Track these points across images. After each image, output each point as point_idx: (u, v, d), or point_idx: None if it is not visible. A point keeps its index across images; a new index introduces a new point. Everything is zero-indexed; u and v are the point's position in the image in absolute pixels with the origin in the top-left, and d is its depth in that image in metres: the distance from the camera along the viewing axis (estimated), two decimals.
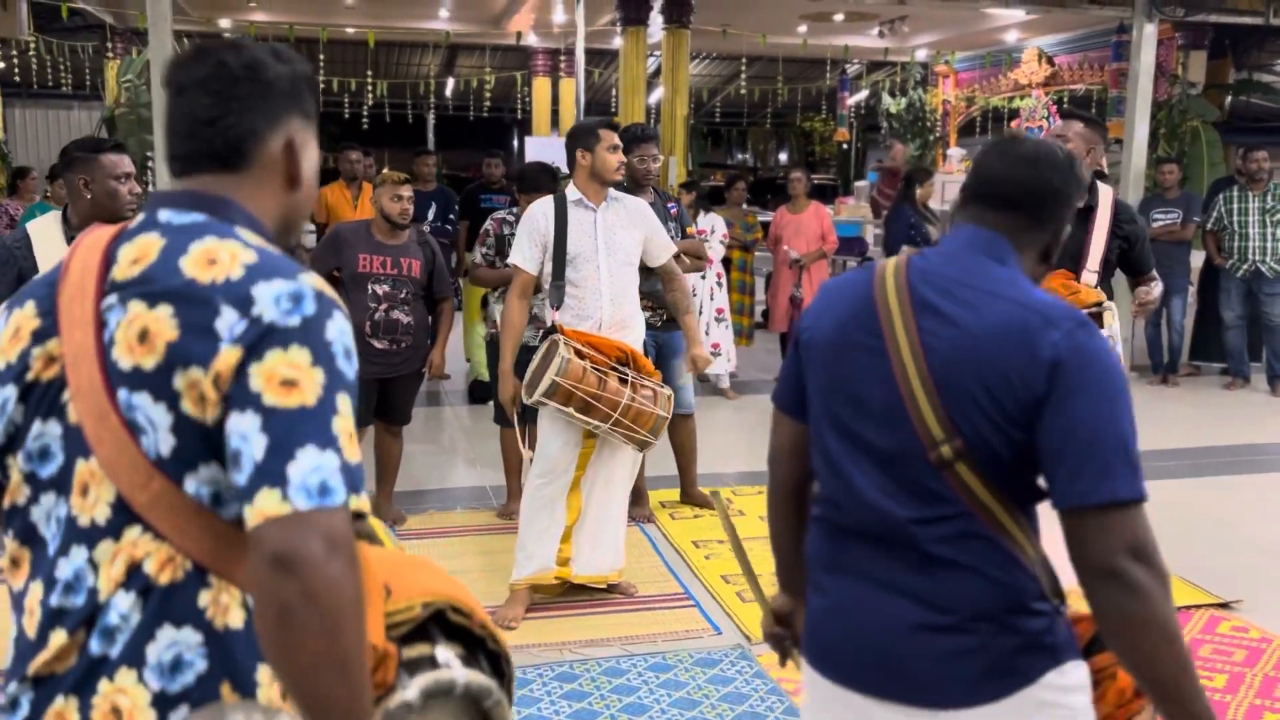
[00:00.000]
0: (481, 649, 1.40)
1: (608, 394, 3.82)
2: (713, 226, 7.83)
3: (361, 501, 1.16)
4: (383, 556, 1.38)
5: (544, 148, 10.31)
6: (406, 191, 4.81)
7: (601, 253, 4.01)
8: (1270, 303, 7.97)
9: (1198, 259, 8.67)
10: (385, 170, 5.41)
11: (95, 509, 1.22)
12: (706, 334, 7.77)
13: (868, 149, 22.37)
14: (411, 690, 1.26)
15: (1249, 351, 8.34)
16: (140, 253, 1.25)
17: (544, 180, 5.68)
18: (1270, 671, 3.60)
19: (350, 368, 1.21)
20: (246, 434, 1.13)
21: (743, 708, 3.35)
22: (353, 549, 1.13)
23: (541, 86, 16.43)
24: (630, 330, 4.11)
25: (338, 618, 1.09)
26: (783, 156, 27.52)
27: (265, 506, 1.10)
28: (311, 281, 1.22)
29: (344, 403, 1.18)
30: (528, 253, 4.03)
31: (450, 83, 18.22)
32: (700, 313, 7.78)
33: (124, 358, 1.20)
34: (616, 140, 4.06)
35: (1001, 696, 1.52)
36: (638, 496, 5.19)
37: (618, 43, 10.91)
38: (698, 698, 3.41)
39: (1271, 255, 7.89)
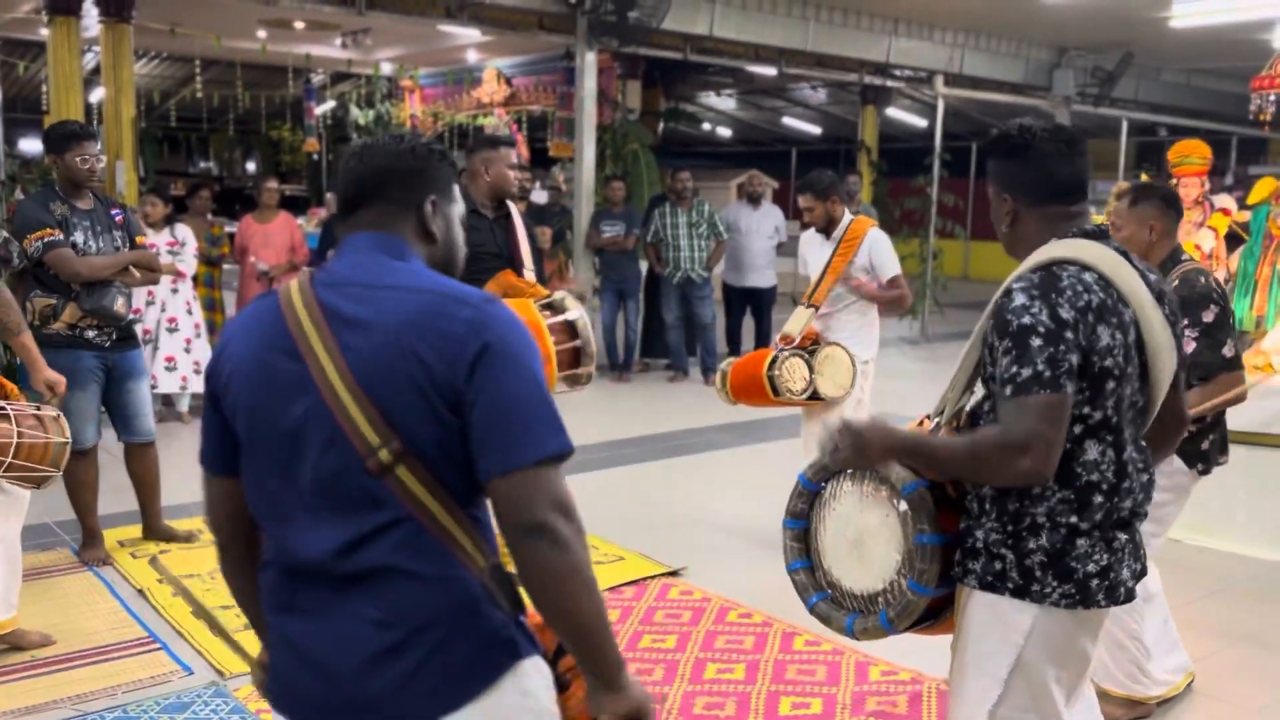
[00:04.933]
0: None
1: None
2: (184, 239, 7.27)
3: None
4: None
5: None
6: None
7: None
8: (700, 305, 9.09)
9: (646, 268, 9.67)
10: None
11: None
12: (188, 351, 7.24)
13: (339, 160, 22.06)
14: None
15: (687, 348, 9.47)
16: None
17: None
18: (711, 626, 4.09)
19: None
20: None
21: None
22: None
23: None
24: None
25: None
26: (250, 165, 26.27)
27: None
28: None
29: None
30: None
31: None
32: (177, 329, 7.29)
33: None
34: None
35: (463, 703, 1.51)
36: (90, 538, 4.68)
37: (45, 33, 9.72)
38: None
39: (699, 263, 9.01)
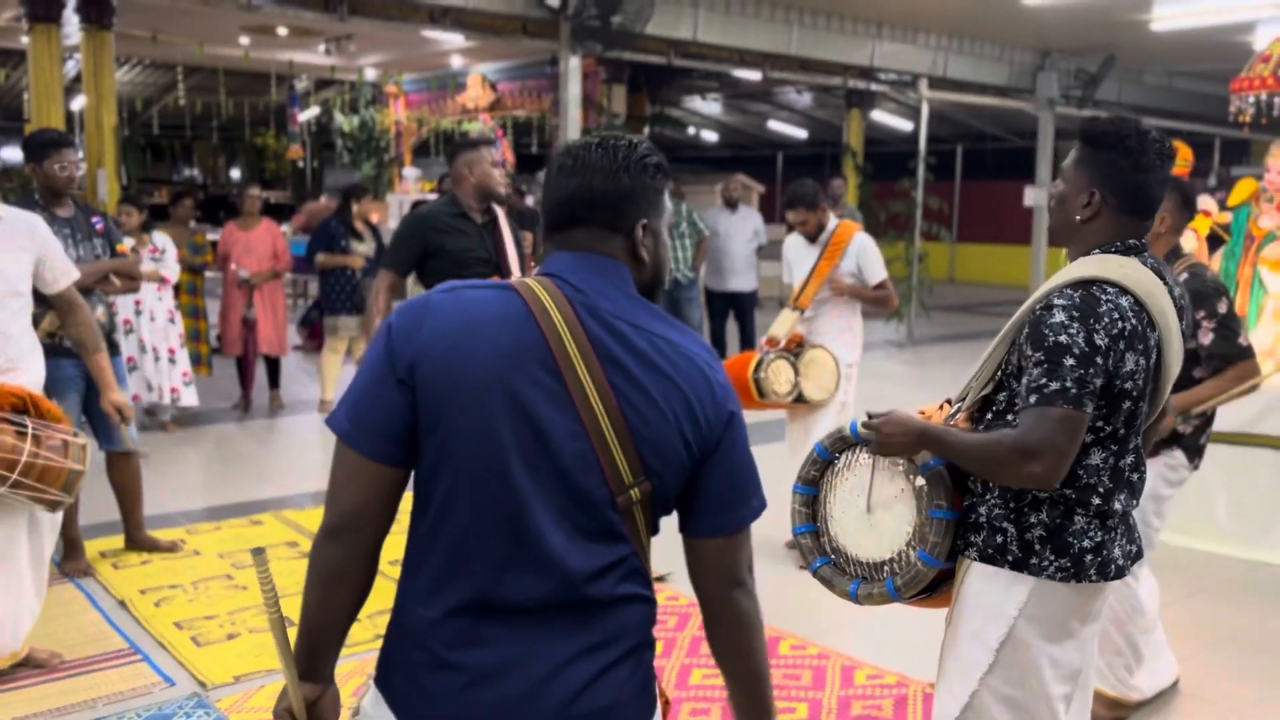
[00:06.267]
0: None
1: (2, 453, 3.26)
2: (163, 246, 7.23)
3: None
4: None
5: None
6: None
7: None
8: (687, 306, 9.09)
9: None
10: None
11: None
12: (173, 362, 7.19)
13: (324, 166, 22.03)
14: None
15: None
16: None
17: None
18: (696, 632, 4.07)
19: None
20: None
21: None
22: None
23: None
24: (22, 372, 3.53)
25: None
26: (235, 173, 26.19)
27: None
28: None
29: None
30: None
31: None
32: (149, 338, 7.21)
33: None
34: None
35: (654, 707, 1.59)
36: (71, 549, 4.64)
37: (25, 41, 9.67)
38: None
39: (684, 263, 9.01)
